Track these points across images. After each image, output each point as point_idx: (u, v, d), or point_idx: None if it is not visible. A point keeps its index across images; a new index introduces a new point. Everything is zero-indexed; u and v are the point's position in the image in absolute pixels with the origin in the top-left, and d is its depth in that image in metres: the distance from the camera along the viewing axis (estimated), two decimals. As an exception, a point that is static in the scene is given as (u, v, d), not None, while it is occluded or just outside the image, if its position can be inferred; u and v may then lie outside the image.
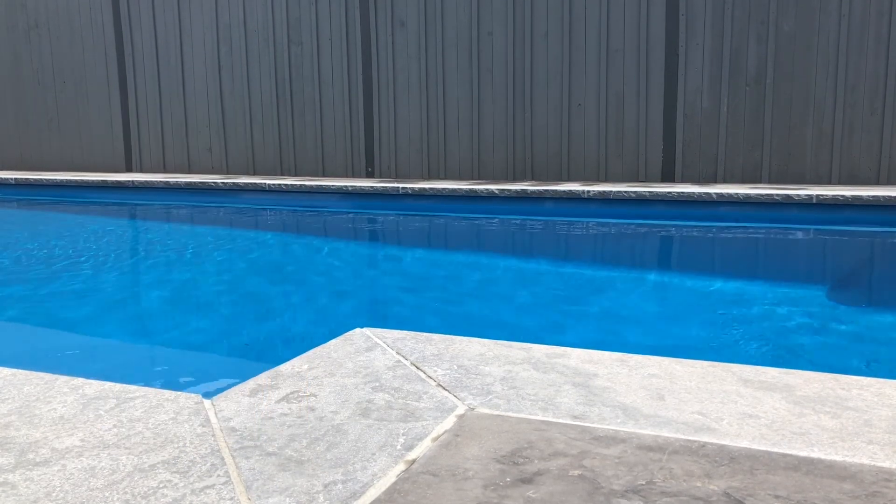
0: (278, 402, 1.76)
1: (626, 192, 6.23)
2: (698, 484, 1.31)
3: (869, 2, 6.42)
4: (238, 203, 7.73)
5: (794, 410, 1.66)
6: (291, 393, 1.82)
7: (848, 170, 6.63)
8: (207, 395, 1.79)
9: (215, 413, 1.69)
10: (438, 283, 4.44)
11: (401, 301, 3.91)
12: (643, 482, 1.32)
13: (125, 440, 1.53)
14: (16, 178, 9.07)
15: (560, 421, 1.63)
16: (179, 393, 1.81)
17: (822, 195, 5.68)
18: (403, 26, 8.06)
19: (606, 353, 2.09)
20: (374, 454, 1.47)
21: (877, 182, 6.55)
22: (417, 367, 1.98)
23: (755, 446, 1.48)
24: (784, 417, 1.62)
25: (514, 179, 7.70)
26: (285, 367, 2.01)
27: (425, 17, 7.94)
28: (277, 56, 8.70)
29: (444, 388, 1.83)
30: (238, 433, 1.58)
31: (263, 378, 1.93)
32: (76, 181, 8.77)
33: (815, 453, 1.44)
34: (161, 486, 1.34)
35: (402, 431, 1.58)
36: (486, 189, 6.69)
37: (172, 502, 1.28)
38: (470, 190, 6.77)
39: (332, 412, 1.69)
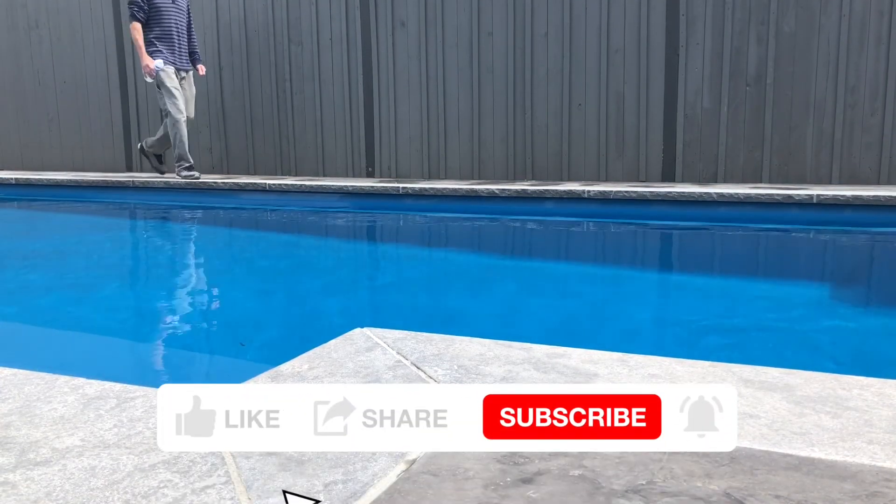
0: (279, 401, 1.76)
1: (626, 191, 6.23)
2: (699, 484, 1.31)
3: (869, 2, 6.42)
4: (238, 203, 7.73)
5: (794, 410, 1.66)
6: (292, 393, 1.81)
7: (848, 170, 6.64)
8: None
9: (216, 413, 1.69)
10: (440, 283, 4.44)
11: (401, 301, 3.91)
12: (643, 482, 1.32)
13: (126, 440, 1.53)
14: (16, 178, 9.08)
15: (560, 421, 1.63)
16: (180, 393, 1.80)
17: (822, 195, 5.68)
18: (404, 26, 8.06)
19: (607, 353, 2.08)
20: (374, 454, 1.47)
21: (877, 182, 6.55)
22: (418, 367, 1.98)
23: (756, 446, 1.48)
24: (784, 417, 1.62)
25: (514, 179, 7.71)
26: (285, 367, 2.01)
27: (425, 17, 7.94)
28: (277, 56, 8.70)
29: (444, 388, 1.83)
30: (238, 433, 1.57)
31: (263, 378, 1.93)
32: (76, 181, 8.78)
33: (816, 453, 1.44)
34: (161, 485, 1.34)
35: (402, 431, 1.58)
36: (487, 189, 6.69)
37: (173, 502, 1.28)
38: (470, 189, 6.77)
39: (332, 412, 1.69)
